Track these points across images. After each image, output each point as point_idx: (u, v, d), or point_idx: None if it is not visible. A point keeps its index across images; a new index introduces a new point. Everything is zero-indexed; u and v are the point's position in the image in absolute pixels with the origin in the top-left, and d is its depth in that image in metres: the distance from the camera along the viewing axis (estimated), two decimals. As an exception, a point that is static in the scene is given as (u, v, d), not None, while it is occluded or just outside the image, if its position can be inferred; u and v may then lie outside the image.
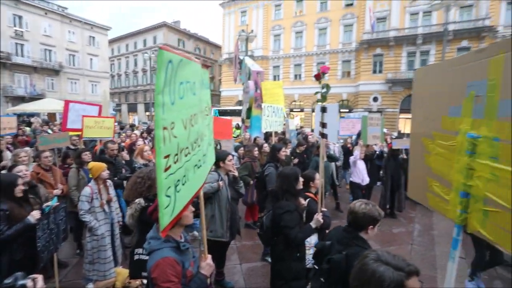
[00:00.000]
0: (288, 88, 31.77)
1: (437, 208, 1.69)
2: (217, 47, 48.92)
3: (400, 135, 18.06)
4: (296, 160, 5.34)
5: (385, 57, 28.13)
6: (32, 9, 28.76)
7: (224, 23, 37.94)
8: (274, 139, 5.86)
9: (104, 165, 3.41)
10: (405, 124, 26.94)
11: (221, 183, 3.15)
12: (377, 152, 6.18)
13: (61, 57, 31.26)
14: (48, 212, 2.63)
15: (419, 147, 1.83)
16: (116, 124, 7.98)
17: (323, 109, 2.63)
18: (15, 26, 27.68)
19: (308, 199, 2.94)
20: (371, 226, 1.78)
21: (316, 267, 1.94)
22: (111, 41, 46.87)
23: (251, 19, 35.75)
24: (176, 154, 1.23)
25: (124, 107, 48.72)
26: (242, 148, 5.65)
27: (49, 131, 10.39)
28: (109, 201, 3.42)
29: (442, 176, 1.61)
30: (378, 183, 6.86)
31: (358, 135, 6.89)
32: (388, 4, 27.98)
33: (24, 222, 2.45)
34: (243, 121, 9.40)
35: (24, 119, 16.72)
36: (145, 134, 8.93)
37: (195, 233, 4.69)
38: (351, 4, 30.28)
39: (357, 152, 5.50)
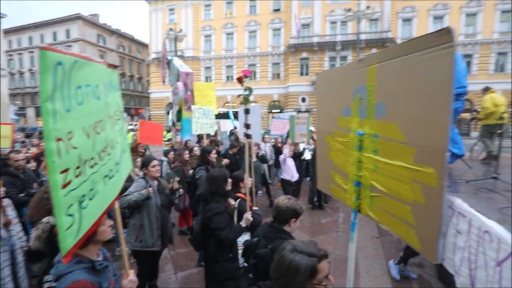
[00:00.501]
0: (220, 90, 31.77)
1: (339, 197, 1.95)
2: (144, 46, 45.89)
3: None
4: (226, 161, 5.38)
5: (311, 60, 30.58)
6: None
7: (151, 20, 35.81)
8: (205, 142, 5.79)
9: (-4, 181, 2.87)
10: (329, 123, 29.68)
11: (150, 189, 2.98)
12: (304, 149, 6.67)
13: None
14: None
15: (323, 144, 2.08)
16: (18, 131, 6.79)
17: (246, 111, 2.73)
18: None
19: (238, 200, 3.00)
20: (293, 219, 1.90)
21: (246, 264, 2.00)
22: (8, 32, 39.59)
23: (180, 18, 34.60)
24: (78, 167, 1.11)
25: (31, 111, 41.67)
26: (172, 153, 5.43)
27: None
28: (6, 224, 2.89)
29: (341, 168, 1.87)
30: (307, 179, 7.42)
31: (288, 134, 7.34)
32: (311, 12, 30.48)
33: None
34: (173, 124, 9.04)
35: None
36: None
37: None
38: (278, 10, 32.00)
39: (286, 151, 5.85)
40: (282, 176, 6.05)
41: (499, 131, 6.29)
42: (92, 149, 1.21)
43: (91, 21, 40.09)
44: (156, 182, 3.05)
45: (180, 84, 7.79)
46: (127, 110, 42.87)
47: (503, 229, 2.49)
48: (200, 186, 3.86)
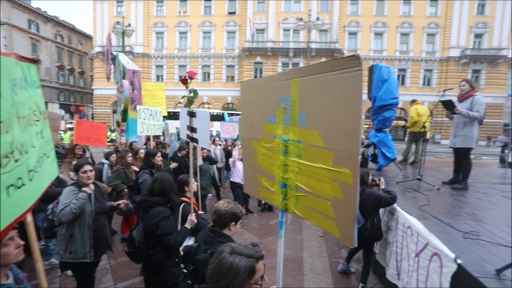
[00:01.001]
0: (172, 90, 30.75)
1: (267, 198, 2.07)
2: (87, 37, 42.14)
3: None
4: (174, 165, 5.21)
5: (264, 65, 31.31)
6: None
7: (96, 11, 33.07)
8: (152, 144, 5.53)
9: None
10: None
11: (87, 189, 2.73)
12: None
13: None
14: None
15: (249, 149, 2.18)
16: None
17: (191, 114, 2.69)
18: None
19: (183, 204, 2.93)
20: (233, 223, 1.92)
21: (185, 271, 1.95)
22: None
23: (129, 11, 32.60)
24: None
25: None
26: (114, 155, 5.07)
27: None
28: None
29: (268, 172, 1.99)
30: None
31: (238, 137, 7.39)
32: (265, 17, 31.29)
33: None
34: (118, 124, 8.46)
35: None
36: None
37: (53, 260, 3.90)
38: (234, 13, 32.18)
39: (236, 153, 5.88)
40: (231, 179, 6.07)
41: (422, 138, 7.28)
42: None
43: (20, 3, 35.36)
44: (92, 187, 2.82)
45: (126, 82, 7.33)
46: (66, 107, 38.79)
47: (421, 224, 2.85)
48: (144, 190, 3.67)
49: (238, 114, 31.18)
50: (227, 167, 7.22)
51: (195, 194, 3.22)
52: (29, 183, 1.30)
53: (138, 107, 5.45)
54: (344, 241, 1.46)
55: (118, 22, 16.02)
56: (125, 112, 7.60)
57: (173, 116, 18.75)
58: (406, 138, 7.89)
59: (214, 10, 32.22)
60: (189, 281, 1.75)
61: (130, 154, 4.51)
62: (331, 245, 5.15)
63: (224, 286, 1.15)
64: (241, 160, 6.11)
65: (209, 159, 6.01)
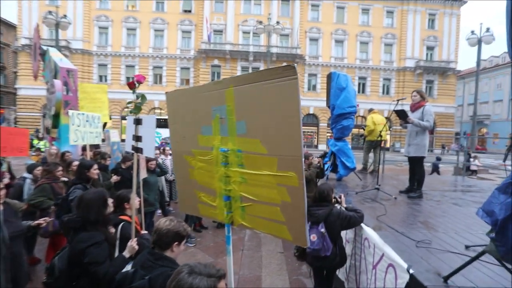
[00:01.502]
0: (118, 92, 29.36)
1: (208, 214, 2.07)
2: (10, 26, 38.37)
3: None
4: (115, 178, 4.91)
5: (222, 68, 31.46)
6: None
7: (22, -4, 30.43)
8: (89, 154, 5.16)
9: None
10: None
11: None
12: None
13: None
14: None
15: (183, 164, 2.18)
16: None
17: (138, 121, 2.57)
18: None
19: (122, 223, 2.75)
20: (176, 243, 1.84)
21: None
22: None
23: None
24: None
25: None
26: (40, 168, 4.62)
27: None
28: None
29: (207, 186, 2.00)
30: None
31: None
32: (224, 18, 31.61)
33: None
34: (48, 131, 7.77)
35: None
36: None
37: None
38: (189, 11, 31.98)
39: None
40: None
41: (379, 146, 7.91)
42: None
43: None
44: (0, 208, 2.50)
45: (57, 82, 6.78)
46: (-21, 109, 34.55)
47: (377, 235, 3.04)
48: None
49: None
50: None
51: (139, 211, 3.05)
52: None
53: (70, 112, 5.06)
54: (297, 242, 1.57)
55: (50, 12, 14.90)
56: (56, 117, 7.01)
57: (164, 123, 17.90)
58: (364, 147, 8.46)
59: (168, 7, 31.72)
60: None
61: (60, 168, 4.14)
62: (292, 261, 5.23)
63: None
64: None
65: (159, 171, 5.78)
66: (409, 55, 33.98)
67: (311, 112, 33.69)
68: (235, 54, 31.06)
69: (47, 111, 8.04)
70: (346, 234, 3.86)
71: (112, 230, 2.56)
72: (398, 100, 5.11)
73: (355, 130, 7.60)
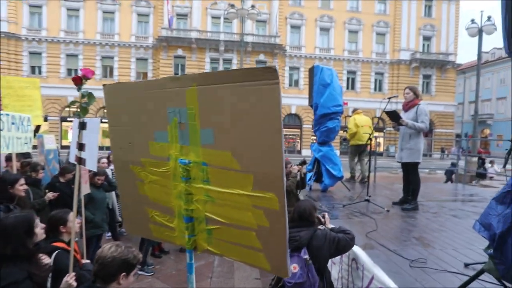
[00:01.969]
0: (57, 88, 28.39)
1: (164, 237, 2.04)
2: None
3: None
4: (50, 195, 4.72)
5: (188, 60, 31.28)
6: None
7: None
8: (15, 165, 4.91)
9: None
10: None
11: None
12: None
13: None
14: None
15: (129, 176, 2.10)
16: None
17: (82, 125, 2.49)
18: None
19: (56, 252, 2.64)
20: (124, 274, 1.80)
21: None
22: None
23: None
24: None
25: None
26: None
27: None
28: None
29: (162, 203, 1.96)
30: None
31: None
32: (189, 0, 31.48)
33: None
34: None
35: None
36: None
37: None
38: (146, -10, 31.65)
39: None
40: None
41: (365, 151, 8.18)
42: None
43: None
44: None
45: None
46: None
47: (366, 255, 3.11)
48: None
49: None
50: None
51: (80, 235, 2.94)
52: None
53: (-10, 112, 4.80)
54: (276, 272, 1.58)
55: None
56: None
57: None
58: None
59: (119, -15, 31.20)
60: None
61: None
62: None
63: None
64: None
65: (108, 186, 5.64)
66: (404, 46, 35.45)
67: (293, 111, 34.18)
68: (202, 43, 30.98)
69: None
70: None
71: (46, 260, 2.44)
72: (389, 98, 5.29)
73: (340, 133, 7.79)
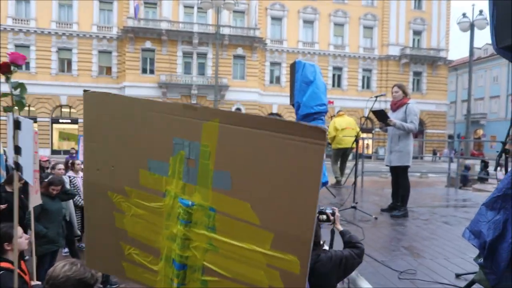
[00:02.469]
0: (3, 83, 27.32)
1: (140, 279, 1.91)
2: None
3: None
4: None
5: (157, 53, 30.93)
6: None
7: None
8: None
9: None
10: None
11: None
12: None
13: None
14: None
15: (105, 203, 1.96)
16: None
17: (17, 124, 2.39)
18: None
19: (0, 273, 2.57)
20: (80, 296, 1.77)
21: None
22: None
23: None
24: None
25: None
26: None
27: None
28: None
29: (145, 242, 1.85)
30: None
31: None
32: (158, -13, 31.21)
33: None
34: None
35: None
36: None
37: None
38: (109, -25, 31.13)
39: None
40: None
41: (347, 156, 8.38)
42: None
43: None
44: None
45: None
46: None
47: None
48: None
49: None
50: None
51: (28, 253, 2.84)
52: None
53: None
54: None
55: None
56: None
57: None
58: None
59: (78, -32, 30.53)
60: None
61: None
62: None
63: None
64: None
65: (64, 195, 5.50)
66: (393, 41, 36.35)
67: (274, 111, 34.38)
68: (174, 34, 30.71)
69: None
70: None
71: None
72: (376, 97, 5.41)
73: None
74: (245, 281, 1.52)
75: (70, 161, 7.56)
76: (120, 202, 1.90)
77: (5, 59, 2.44)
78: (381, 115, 5.15)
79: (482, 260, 2.14)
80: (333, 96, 33.36)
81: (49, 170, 7.24)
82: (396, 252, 3.95)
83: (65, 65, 30.69)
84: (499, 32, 1.93)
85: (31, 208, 3.78)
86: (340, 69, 36.04)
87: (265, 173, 1.40)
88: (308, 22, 35.14)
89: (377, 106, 5.29)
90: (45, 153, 27.61)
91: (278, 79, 35.04)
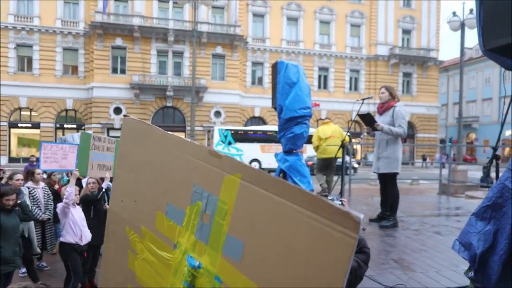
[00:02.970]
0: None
1: None
2: None
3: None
4: None
5: (129, 52, 30.62)
6: None
7: None
8: None
9: None
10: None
11: None
12: (104, 189, 6.38)
13: None
14: None
15: (122, 239, 1.95)
16: None
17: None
18: None
19: None
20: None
21: None
22: None
23: None
24: None
25: None
26: None
27: None
28: None
29: None
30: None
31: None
32: (129, -20, 30.96)
33: None
34: None
35: None
36: None
37: None
38: (76, -34, 30.72)
39: (70, 191, 5.34)
40: (62, 238, 5.49)
41: (330, 165, 8.49)
42: None
43: None
44: None
45: None
46: None
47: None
48: None
49: (79, 128, 29.18)
50: (56, 217, 6.53)
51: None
52: None
53: None
54: None
55: None
56: None
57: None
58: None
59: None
60: None
61: None
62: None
63: None
64: (78, 204, 5.63)
65: (20, 209, 5.33)
66: (381, 40, 37.04)
67: (256, 114, 34.46)
68: (147, 31, 30.47)
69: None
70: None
71: None
72: (363, 100, 5.47)
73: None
74: None
75: (27, 170, 7.34)
76: (135, 241, 1.87)
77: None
78: (367, 118, 5.21)
79: (472, 273, 2.18)
80: (319, 98, 33.71)
81: (4, 181, 7.03)
82: (385, 265, 3.99)
83: (25, 63, 29.94)
84: (486, 33, 1.97)
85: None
86: (326, 69, 36.44)
87: (281, 254, 1.26)
88: (292, 20, 35.46)
89: (366, 109, 5.36)
90: (1, 161, 26.92)
91: (260, 80, 35.16)
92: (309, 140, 7.63)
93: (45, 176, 7.87)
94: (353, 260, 2.60)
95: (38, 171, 7.10)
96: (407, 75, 38.04)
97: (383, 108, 5.40)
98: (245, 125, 33.80)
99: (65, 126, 30.70)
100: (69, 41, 30.52)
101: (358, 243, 2.75)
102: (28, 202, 6.01)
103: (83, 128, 29.58)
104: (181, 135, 32.54)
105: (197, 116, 26.89)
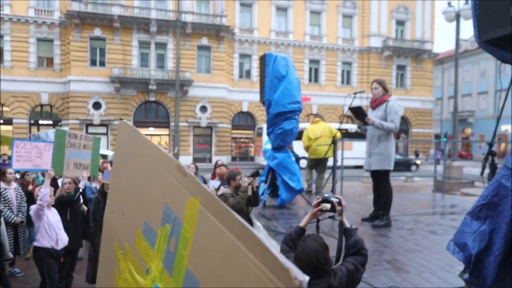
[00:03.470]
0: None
1: None
2: None
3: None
4: None
5: (109, 43, 30.25)
6: None
7: None
8: None
9: None
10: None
11: None
12: (81, 190, 6.31)
13: None
14: None
15: (111, 253, 1.91)
16: None
17: None
18: None
19: None
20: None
21: None
22: None
23: None
24: None
25: None
26: None
27: None
28: None
29: None
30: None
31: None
32: (108, -34, 30.54)
33: None
34: None
35: None
36: None
37: None
38: (51, -49, 30.21)
39: (45, 192, 5.27)
40: (36, 243, 5.43)
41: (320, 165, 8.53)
42: None
43: None
44: None
45: None
46: None
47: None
48: None
49: (55, 124, 28.77)
50: (30, 220, 6.44)
51: None
52: None
53: None
54: None
55: None
56: None
57: None
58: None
59: None
60: None
61: None
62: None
63: None
64: (53, 205, 5.56)
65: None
66: (375, 31, 37.21)
67: (244, 109, 34.40)
68: (128, 21, 30.12)
69: None
70: None
71: None
72: (355, 94, 5.48)
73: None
74: None
75: (1, 169, 7.23)
76: (120, 259, 1.84)
77: None
78: (358, 112, 5.22)
79: (467, 275, 2.19)
80: (310, 92, 33.78)
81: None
82: (378, 266, 4.00)
83: (-3, 56, 29.48)
84: (483, 23, 1.96)
85: None
86: (317, 62, 36.50)
87: None
88: (282, 9, 35.40)
89: (359, 103, 5.37)
90: (-27, 159, 26.43)
91: (248, 73, 35.06)
92: (299, 137, 7.65)
93: (17, 176, 7.77)
94: (350, 262, 2.65)
95: (10, 170, 7.00)
96: (401, 67, 38.33)
97: (376, 102, 5.42)
98: (232, 121, 33.73)
99: (40, 122, 30.18)
100: (44, 31, 29.99)
101: (356, 244, 2.81)
102: (-1, 204, 5.91)
103: (59, 124, 29.14)
104: (165, 131, 32.55)
105: (181, 111, 26.76)
